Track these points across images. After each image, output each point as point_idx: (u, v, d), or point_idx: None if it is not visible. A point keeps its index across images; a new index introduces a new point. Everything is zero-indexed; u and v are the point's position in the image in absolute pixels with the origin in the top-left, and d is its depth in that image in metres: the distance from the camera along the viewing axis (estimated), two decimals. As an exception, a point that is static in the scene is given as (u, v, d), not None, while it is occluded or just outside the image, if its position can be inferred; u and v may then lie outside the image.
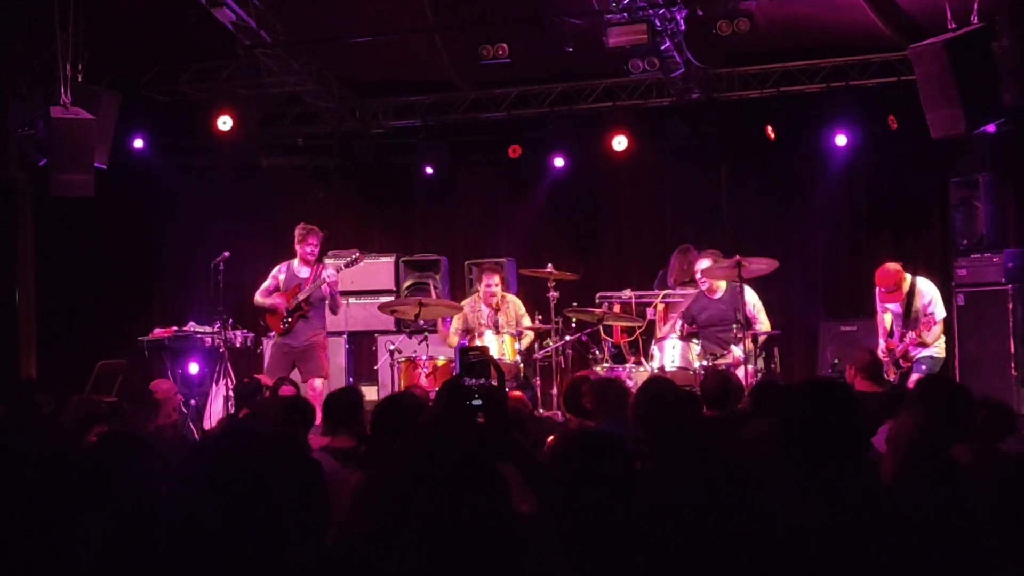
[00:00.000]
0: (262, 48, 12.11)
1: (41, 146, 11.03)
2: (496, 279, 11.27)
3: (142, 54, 12.77)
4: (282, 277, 11.05)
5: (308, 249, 10.93)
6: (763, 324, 10.46)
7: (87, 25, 10.56)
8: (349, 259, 11.17)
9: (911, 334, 9.86)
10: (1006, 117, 10.77)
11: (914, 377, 9.22)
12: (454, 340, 11.24)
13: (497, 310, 11.10)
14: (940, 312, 10.04)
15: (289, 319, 10.90)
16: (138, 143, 13.33)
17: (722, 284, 10.69)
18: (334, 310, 11.13)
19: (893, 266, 10.21)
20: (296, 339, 10.93)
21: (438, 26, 12.27)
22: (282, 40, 12.17)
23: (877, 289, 10.27)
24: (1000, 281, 10.83)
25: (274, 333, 11.16)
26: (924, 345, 9.89)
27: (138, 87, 12.92)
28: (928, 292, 10.07)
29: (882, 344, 10.13)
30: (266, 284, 11.10)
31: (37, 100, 10.97)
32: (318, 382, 10.78)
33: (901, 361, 9.93)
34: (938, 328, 9.99)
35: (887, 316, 10.25)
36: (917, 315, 9.93)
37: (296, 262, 11.05)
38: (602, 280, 12.10)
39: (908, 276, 10.16)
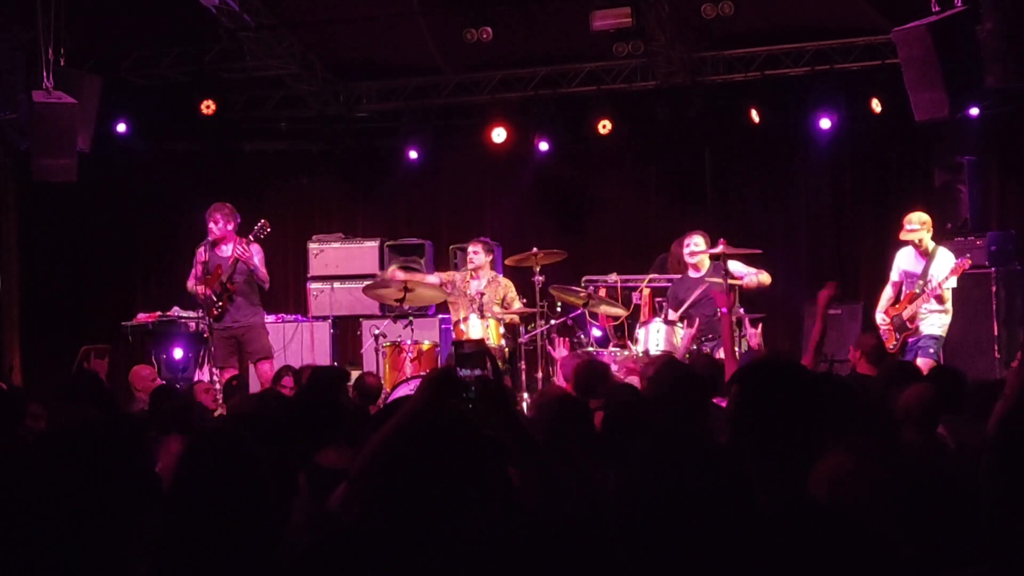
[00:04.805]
0: (245, 31, 12.04)
1: (23, 131, 10.96)
2: (477, 247, 11.17)
3: (124, 38, 12.68)
4: (204, 260, 10.44)
5: (212, 227, 10.34)
6: (751, 277, 10.26)
7: (68, 9, 10.48)
8: (256, 228, 10.50)
9: (931, 288, 9.59)
10: (989, 100, 10.80)
11: (920, 361, 9.02)
12: (433, 278, 11.31)
13: (487, 284, 10.99)
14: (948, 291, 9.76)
15: (220, 303, 10.38)
16: (121, 127, 13.23)
17: (706, 261, 10.60)
18: (262, 285, 10.60)
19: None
20: (232, 321, 10.43)
21: (422, 10, 12.22)
22: (265, 23, 12.10)
23: (897, 253, 10.05)
24: (984, 264, 10.83)
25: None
26: (939, 299, 9.70)
27: (120, 71, 12.85)
28: (948, 265, 9.75)
29: (881, 316, 9.96)
30: (193, 271, 10.52)
31: (19, 84, 10.88)
32: (267, 365, 10.41)
33: (908, 323, 9.67)
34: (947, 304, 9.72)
35: (887, 289, 10.05)
36: (932, 280, 9.68)
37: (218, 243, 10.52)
38: (587, 264, 12.07)
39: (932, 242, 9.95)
